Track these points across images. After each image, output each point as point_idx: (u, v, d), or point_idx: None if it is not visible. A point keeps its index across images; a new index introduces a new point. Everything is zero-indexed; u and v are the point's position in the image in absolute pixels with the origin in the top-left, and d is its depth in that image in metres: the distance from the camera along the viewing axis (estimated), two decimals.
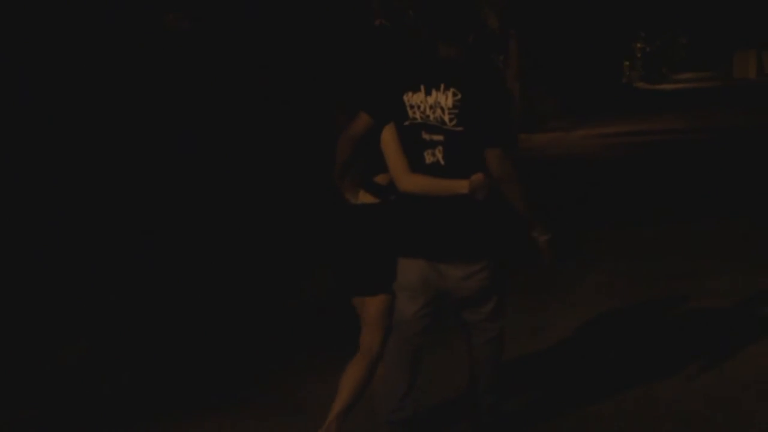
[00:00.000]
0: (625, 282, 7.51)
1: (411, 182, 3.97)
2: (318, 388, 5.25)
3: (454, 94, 3.90)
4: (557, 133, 23.08)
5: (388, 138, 4.02)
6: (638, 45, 54.29)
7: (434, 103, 3.93)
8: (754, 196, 11.44)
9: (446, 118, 3.91)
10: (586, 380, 5.30)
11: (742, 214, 10.20)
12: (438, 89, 3.93)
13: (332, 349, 5.65)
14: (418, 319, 4.17)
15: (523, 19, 23.18)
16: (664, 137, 20.72)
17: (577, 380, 5.31)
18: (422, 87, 3.97)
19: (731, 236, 9.12)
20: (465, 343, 4.39)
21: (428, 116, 3.95)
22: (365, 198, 4.17)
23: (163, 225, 10.52)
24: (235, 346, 6.58)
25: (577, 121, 26.06)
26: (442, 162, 3.95)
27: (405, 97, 3.99)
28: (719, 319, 6.41)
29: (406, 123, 4.00)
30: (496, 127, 3.88)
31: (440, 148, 3.95)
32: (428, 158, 3.97)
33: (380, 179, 4.14)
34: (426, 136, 3.96)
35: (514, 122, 4.01)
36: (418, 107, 3.97)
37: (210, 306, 7.69)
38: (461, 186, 3.85)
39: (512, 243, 4.17)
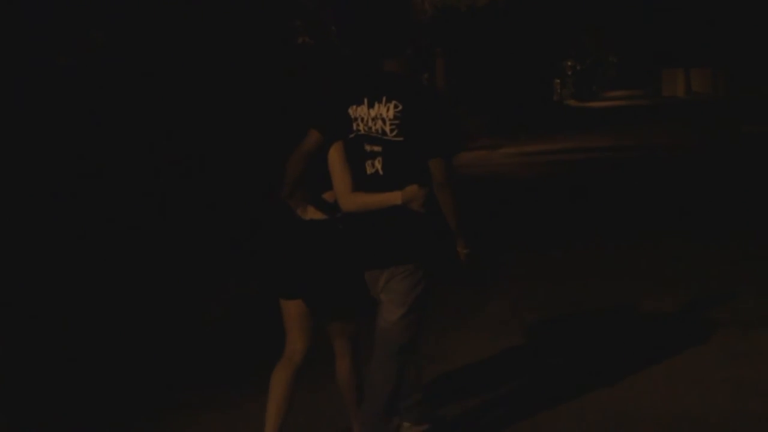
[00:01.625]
0: (528, 308, 7.33)
1: (351, 202, 4.17)
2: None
3: (395, 106, 4.04)
4: (483, 151, 23.10)
5: (335, 158, 4.18)
6: (569, 63, 54.90)
7: (376, 115, 4.08)
8: (669, 217, 11.42)
9: (387, 128, 4.06)
10: (480, 408, 5.16)
11: (655, 234, 10.12)
12: (380, 101, 4.07)
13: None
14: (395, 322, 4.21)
15: (450, 36, 23.21)
16: (588, 155, 20.88)
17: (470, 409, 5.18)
18: (365, 100, 4.12)
19: (642, 258, 9.03)
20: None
21: (370, 128, 4.10)
22: (314, 214, 4.31)
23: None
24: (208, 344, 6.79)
25: (504, 139, 26.15)
26: (381, 172, 4.10)
27: (350, 110, 4.15)
28: (620, 342, 6.33)
29: (351, 135, 4.15)
30: (437, 138, 4.00)
31: (380, 158, 4.09)
32: (368, 169, 4.12)
33: (328, 196, 4.29)
34: (367, 148, 4.11)
35: (457, 133, 4.14)
36: (362, 119, 4.12)
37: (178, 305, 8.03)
38: (394, 198, 4.04)
39: (441, 255, 4.21)
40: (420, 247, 4.12)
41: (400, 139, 4.03)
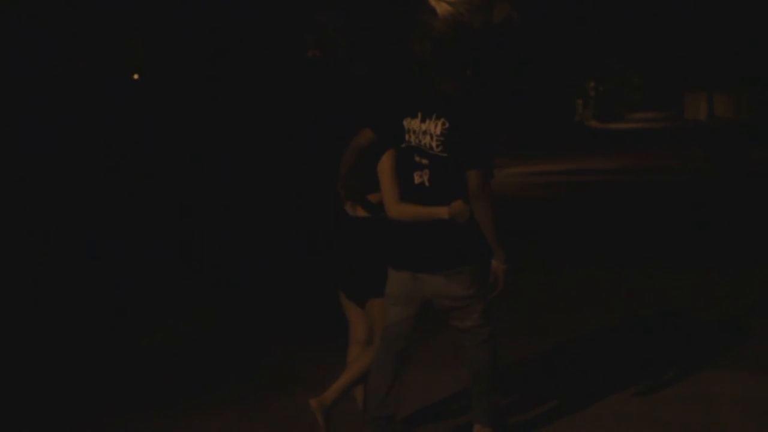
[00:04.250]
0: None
1: (398, 211, 4.42)
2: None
3: (443, 124, 4.33)
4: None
5: (386, 166, 4.48)
6: (591, 84, 54.83)
7: (426, 129, 4.37)
8: (666, 247, 11.44)
9: (434, 144, 4.34)
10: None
11: (638, 264, 10.09)
12: (431, 118, 4.36)
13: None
14: (400, 324, 4.55)
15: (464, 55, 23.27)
16: (598, 177, 20.96)
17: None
18: (419, 114, 4.42)
19: (617, 287, 9.00)
20: (457, 349, 4.72)
21: (420, 141, 4.38)
22: (360, 212, 4.68)
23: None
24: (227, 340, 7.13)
25: (512, 159, 26.16)
26: (428, 183, 4.38)
27: (405, 122, 4.45)
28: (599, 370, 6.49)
29: (403, 145, 4.45)
30: (476, 152, 4.28)
31: (427, 171, 4.37)
32: (416, 179, 4.41)
33: (372, 198, 4.63)
34: (417, 159, 4.40)
35: (496, 150, 4.41)
36: (414, 132, 4.41)
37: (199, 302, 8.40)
38: (442, 212, 4.30)
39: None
40: (472, 249, 4.40)
41: (445, 155, 4.32)
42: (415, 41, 4.42)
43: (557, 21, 36.10)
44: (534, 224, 13.20)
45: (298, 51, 17.45)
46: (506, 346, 5.61)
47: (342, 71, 17.65)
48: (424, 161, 4.37)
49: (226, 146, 15.16)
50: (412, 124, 4.43)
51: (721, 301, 8.06)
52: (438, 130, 4.33)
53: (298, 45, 17.58)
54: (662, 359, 6.35)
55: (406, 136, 4.44)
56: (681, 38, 55.75)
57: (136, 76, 16.28)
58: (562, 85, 41.75)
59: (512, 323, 7.13)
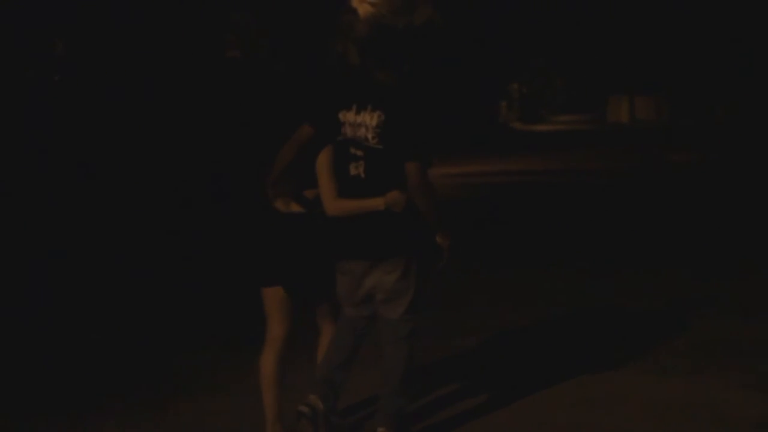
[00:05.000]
0: None
1: (336, 207, 4.49)
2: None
3: (379, 116, 4.39)
4: None
5: (323, 162, 4.53)
6: (515, 86, 55.28)
7: (361, 121, 4.43)
8: (582, 247, 11.51)
9: (369, 136, 4.41)
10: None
11: (554, 265, 10.14)
12: (365, 110, 4.42)
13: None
14: (355, 311, 4.67)
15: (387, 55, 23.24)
16: (520, 178, 21.13)
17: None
18: (354, 106, 4.48)
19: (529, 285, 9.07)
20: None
21: (355, 133, 4.44)
22: (295, 208, 4.65)
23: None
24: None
25: (439, 160, 26.27)
26: (363, 175, 4.46)
27: (340, 115, 4.49)
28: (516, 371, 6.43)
29: (339, 138, 4.49)
30: (414, 145, 4.35)
31: (362, 162, 4.44)
32: (352, 170, 4.47)
33: (308, 194, 4.64)
34: (352, 151, 4.46)
35: (434, 142, 4.53)
36: (349, 124, 4.47)
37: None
38: (378, 203, 4.39)
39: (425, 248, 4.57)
40: (408, 241, 4.50)
41: (380, 147, 4.38)
42: (338, 42, 4.46)
43: (481, 22, 36.31)
44: (452, 225, 13.16)
45: (217, 51, 17.27)
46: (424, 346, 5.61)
47: (263, 70, 17.54)
48: (360, 153, 4.44)
49: (141, 146, 15.00)
50: (347, 116, 4.47)
51: (633, 301, 8.12)
52: (374, 122, 4.39)
53: (217, 45, 17.40)
54: (568, 361, 6.35)
55: (342, 129, 4.48)
56: (604, 41, 56.46)
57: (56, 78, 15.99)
58: (486, 86, 42.01)
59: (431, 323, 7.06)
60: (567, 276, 9.35)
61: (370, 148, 4.42)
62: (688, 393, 5.58)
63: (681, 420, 5.16)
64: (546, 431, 5.12)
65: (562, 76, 71.38)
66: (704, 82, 48.06)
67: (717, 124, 43.16)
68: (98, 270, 9.87)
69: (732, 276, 9.05)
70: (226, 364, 6.27)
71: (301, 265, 4.65)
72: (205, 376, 6.08)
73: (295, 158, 4.61)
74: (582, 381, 5.88)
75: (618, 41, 54.52)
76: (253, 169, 4.88)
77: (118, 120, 15.05)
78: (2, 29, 13.85)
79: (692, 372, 5.99)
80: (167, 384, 5.96)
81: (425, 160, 4.38)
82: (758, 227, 12.36)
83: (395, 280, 4.49)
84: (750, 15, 35.64)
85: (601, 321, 7.62)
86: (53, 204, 12.75)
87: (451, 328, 7.26)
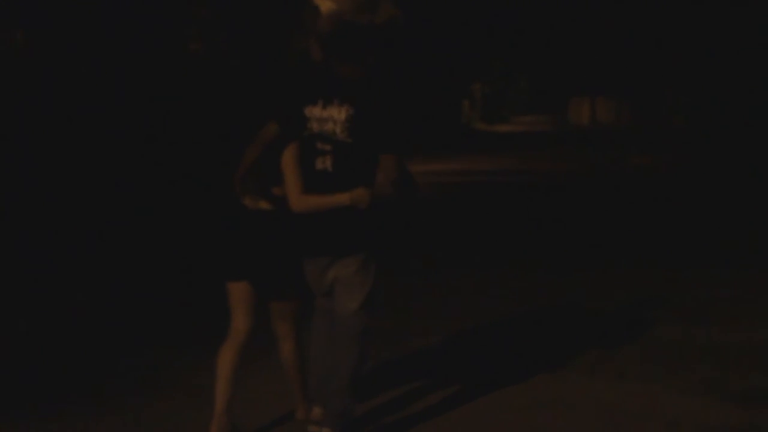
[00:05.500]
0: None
1: (302, 203, 4.51)
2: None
3: (347, 110, 4.42)
4: None
5: (288, 159, 4.54)
6: (477, 86, 55.42)
7: (328, 116, 4.45)
8: (539, 247, 11.52)
9: (337, 130, 4.44)
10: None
11: (510, 264, 10.13)
12: (332, 104, 4.44)
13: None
14: (326, 302, 4.71)
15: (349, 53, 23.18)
16: (479, 178, 21.17)
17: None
18: (320, 101, 4.49)
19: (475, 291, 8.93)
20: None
21: (322, 128, 4.46)
22: (262, 204, 4.66)
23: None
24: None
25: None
26: (330, 169, 4.48)
27: (306, 110, 4.50)
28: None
29: (305, 133, 4.50)
30: (387, 137, 4.44)
31: (329, 156, 4.47)
32: (319, 165, 4.49)
33: (276, 191, 4.62)
34: (319, 146, 4.48)
35: (406, 133, 4.69)
36: (316, 119, 4.48)
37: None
38: (343, 199, 4.42)
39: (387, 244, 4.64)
40: (369, 238, 4.55)
41: (349, 140, 4.42)
42: (300, 38, 4.48)
43: (444, 22, 36.36)
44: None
45: (179, 44, 17.14)
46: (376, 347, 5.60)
47: (225, 66, 17.46)
48: (327, 147, 4.46)
49: (102, 139, 14.85)
50: (313, 111, 4.48)
51: (590, 303, 8.12)
52: (342, 116, 4.42)
53: (178, 38, 17.27)
54: (522, 363, 6.33)
55: (308, 124, 4.50)
56: (566, 43, 56.81)
57: None
58: (449, 86, 42.07)
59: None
60: (522, 277, 9.35)
61: (339, 142, 4.44)
62: (642, 398, 5.56)
63: (633, 425, 5.13)
64: None
65: (524, 77, 71.74)
66: (664, 86, 48.44)
67: (676, 126, 43.48)
68: (70, 271, 9.70)
69: (691, 279, 9.07)
70: (208, 364, 6.13)
71: (267, 261, 4.67)
72: (186, 378, 5.98)
73: (261, 155, 4.61)
74: (535, 383, 5.86)
75: (581, 43, 54.89)
76: (220, 165, 4.88)
77: (79, 113, 14.87)
78: None
79: (647, 377, 5.98)
80: (147, 384, 5.87)
81: (399, 151, 4.48)
82: (716, 229, 12.45)
83: (353, 273, 4.52)
84: (711, 19, 35.96)
85: (557, 323, 7.61)
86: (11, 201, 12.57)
87: (403, 329, 7.22)
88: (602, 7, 49.27)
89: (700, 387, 5.76)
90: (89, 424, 5.15)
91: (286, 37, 4.89)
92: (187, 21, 17.46)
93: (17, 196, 12.78)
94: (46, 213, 12.54)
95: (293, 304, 4.86)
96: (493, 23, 47.52)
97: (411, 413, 5.32)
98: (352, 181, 4.44)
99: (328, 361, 4.70)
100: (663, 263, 9.93)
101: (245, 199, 4.71)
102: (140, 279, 9.20)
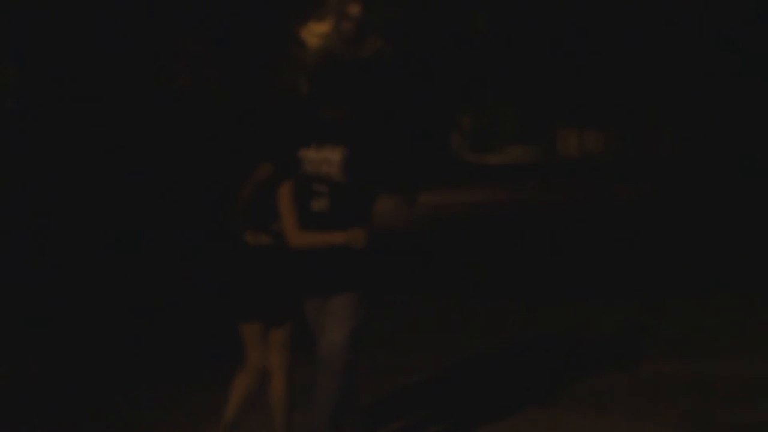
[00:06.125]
0: None
1: (299, 239, 4.62)
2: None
3: (342, 151, 4.56)
4: None
5: (284, 197, 4.67)
6: (466, 118, 55.52)
7: (324, 158, 4.59)
8: (522, 277, 11.58)
9: (332, 171, 4.57)
10: None
11: (491, 297, 10.22)
12: (327, 146, 4.59)
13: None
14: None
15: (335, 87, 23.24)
16: (467, 210, 21.20)
17: None
18: (314, 144, 4.65)
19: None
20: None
21: (318, 169, 4.59)
22: (264, 239, 4.80)
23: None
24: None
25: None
26: (327, 210, 4.61)
27: (300, 152, 4.64)
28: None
29: (300, 175, 4.64)
30: (384, 176, 4.59)
31: (325, 198, 4.61)
32: (315, 206, 4.62)
33: (275, 226, 4.76)
34: (315, 187, 4.62)
35: (407, 174, 5.09)
36: (310, 161, 4.63)
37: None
38: (339, 238, 4.52)
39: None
40: (362, 277, 4.65)
41: (346, 181, 4.56)
42: (288, 73, 4.59)
43: (432, 55, 36.47)
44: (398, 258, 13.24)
45: (166, 79, 17.17)
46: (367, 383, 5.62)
47: (213, 101, 17.46)
48: (323, 189, 4.61)
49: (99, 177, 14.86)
50: (308, 153, 4.63)
51: (577, 336, 8.19)
52: (337, 157, 4.56)
53: (165, 73, 17.30)
54: (509, 396, 6.38)
55: (303, 166, 4.63)
56: (555, 73, 56.95)
57: None
58: (438, 118, 42.15)
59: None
60: (510, 310, 9.42)
61: (335, 184, 4.56)
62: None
63: None
64: None
65: (513, 108, 71.87)
66: (651, 115, 48.63)
67: (663, 156, 43.59)
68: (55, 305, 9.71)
69: (676, 311, 9.14)
70: (188, 402, 6.20)
71: (274, 296, 4.81)
72: (168, 414, 6.04)
73: (257, 193, 4.76)
74: (521, 417, 5.91)
75: (570, 73, 55.05)
76: (218, 205, 5.02)
77: (73, 148, 14.89)
78: None
79: (632, 410, 6.03)
80: (124, 420, 5.90)
81: (394, 189, 4.68)
82: (700, 258, 12.52)
83: (343, 306, 4.60)
84: (693, 51, 36.22)
85: (543, 355, 7.67)
86: None
87: (395, 366, 7.28)
88: (591, 35, 49.48)
89: (684, 420, 5.81)
90: None
91: (275, 72, 5.03)
92: (176, 55, 17.50)
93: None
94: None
95: (287, 331, 4.92)
96: (481, 54, 47.66)
97: None
98: (348, 222, 4.54)
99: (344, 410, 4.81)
100: (647, 293, 10.00)
101: (247, 236, 4.81)
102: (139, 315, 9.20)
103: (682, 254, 13.21)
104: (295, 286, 4.78)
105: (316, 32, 13.82)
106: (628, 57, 46.20)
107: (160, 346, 8.02)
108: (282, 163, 4.71)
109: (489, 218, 19.42)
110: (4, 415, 5.99)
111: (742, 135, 32.74)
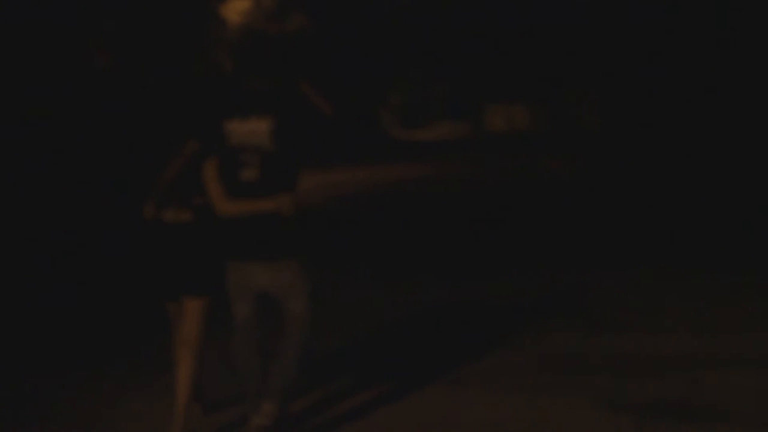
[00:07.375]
0: None
1: (227, 207, 4.66)
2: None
3: (270, 121, 4.61)
4: None
5: (210, 170, 4.71)
6: (395, 93, 55.52)
7: (250, 129, 4.62)
8: (447, 255, 11.54)
9: (260, 141, 4.62)
10: None
11: (418, 274, 10.21)
12: (252, 116, 4.63)
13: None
14: (246, 319, 4.85)
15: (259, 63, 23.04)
16: (394, 187, 21.16)
17: None
18: (239, 115, 4.68)
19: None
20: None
21: (244, 140, 4.63)
22: (184, 216, 4.86)
23: None
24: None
25: (313, 168, 26.16)
26: (256, 179, 4.67)
27: (225, 124, 4.68)
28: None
29: (226, 146, 4.68)
30: (311, 144, 4.68)
31: (254, 167, 4.65)
32: (244, 176, 4.68)
33: (197, 200, 4.84)
34: (242, 158, 4.67)
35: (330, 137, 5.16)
36: (236, 133, 4.65)
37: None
38: (269, 205, 4.58)
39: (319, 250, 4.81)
40: (300, 243, 4.73)
41: (272, 150, 4.61)
42: (210, 51, 4.57)
43: (358, 31, 36.37)
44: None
45: (85, 57, 16.83)
46: None
47: (133, 79, 17.16)
48: (251, 159, 4.65)
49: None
50: (233, 125, 4.66)
51: (477, 314, 8.15)
52: (265, 128, 4.58)
53: (84, 51, 16.95)
54: (407, 378, 6.32)
55: (228, 138, 4.67)
56: (483, 48, 57.20)
57: None
58: (365, 93, 42.09)
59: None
60: (428, 285, 9.37)
61: (265, 153, 4.59)
62: (531, 412, 5.56)
63: None
64: None
65: (441, 85, 72.09)
66: (577, 90, 49.13)
67: (589, 130, 44.05)
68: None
69: (591, 286, 9.15)
70: (89, 392, 6.03)
71: (193, 273, 4.84)
72: (67, 404, 5.88)
73: (181, 170, 4.81)
74: (417, 399, 5.83)
75: (497, 48, 55.33)
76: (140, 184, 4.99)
77: None
78: None
79: (536, 390, 5.98)
80: (23, 411, 5.76)
81: (322, 157, 4.61)
82: (622, 234, 12.60)
83: (291, 279, 4.66)
84: (624, 27, 36.58)
85: (455, 331, 7.61)
86: None
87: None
88: (519, 11, 49.77)
89: (594, 397, 5.78)
90: None
91: (198, 49, 5.01)
92: (93, 34, 17.14)
93: None
94: None
95: (203, 306, 4.92)
96: (411, 30, 47.67)
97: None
98: (276, 190, 4.58)
99: (260, 377, 4.87)
100: (563, 268, 10.00)
101: (166, 214, 4.81)
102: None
103: (604, 229, 13.27)
104: (214, 260, 4.78)
105: (236, 9, 13.62)
106: (556, 32, 46.54)
107: (94, 335, 7.82)
108: (206, 138, 4.72)
109: (416, 194, 19.38)
110: None
111: (668, 109, 33.14)
